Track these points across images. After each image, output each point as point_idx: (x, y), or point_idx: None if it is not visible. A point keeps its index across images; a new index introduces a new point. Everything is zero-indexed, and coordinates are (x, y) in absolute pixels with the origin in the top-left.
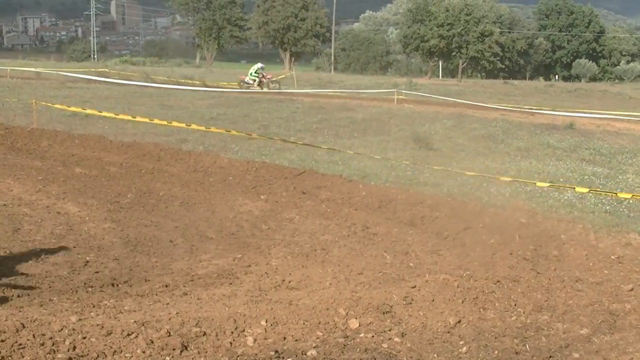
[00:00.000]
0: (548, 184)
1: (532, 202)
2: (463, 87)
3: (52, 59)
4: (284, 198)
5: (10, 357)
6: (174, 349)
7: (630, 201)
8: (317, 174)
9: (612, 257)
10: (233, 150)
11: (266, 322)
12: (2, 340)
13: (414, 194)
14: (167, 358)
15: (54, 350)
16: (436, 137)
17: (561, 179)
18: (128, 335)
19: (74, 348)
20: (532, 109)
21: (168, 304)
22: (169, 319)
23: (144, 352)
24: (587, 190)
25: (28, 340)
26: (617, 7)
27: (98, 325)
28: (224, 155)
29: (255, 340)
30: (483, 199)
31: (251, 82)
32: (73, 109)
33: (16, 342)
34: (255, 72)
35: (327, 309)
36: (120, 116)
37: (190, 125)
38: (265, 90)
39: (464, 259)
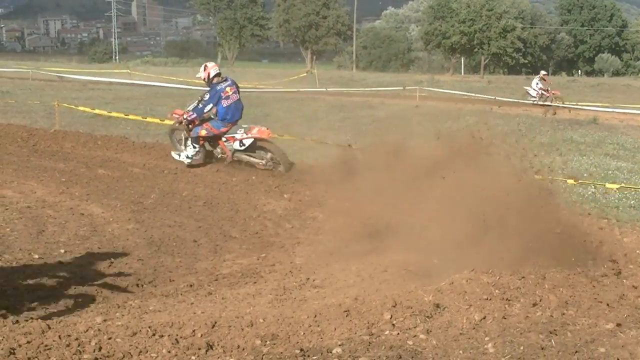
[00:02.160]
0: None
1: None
2: (485, 83)
3: (74, 60)
4: (307, 197)
5: (36, 358)
6: (199, 349)
7: None
8: None
9: (637, 251)
10: None
11: (291, 320)
12: (29, 342)
13: None
14: (193, 357)
15: (80, 351)
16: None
17: (585, 175)
18: (153, 335)
19: (100, 349)
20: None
21: (193, 303)
22: (194, 319)
23: (169, 351)
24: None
25: (54, 341)
26: (639, 0)
27: (123, 325)
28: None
29: (280, 338)
30: None
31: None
32: (97, 111)
33: (42, 343)
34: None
35: (352, 307)
36: (148, 119)
37: None
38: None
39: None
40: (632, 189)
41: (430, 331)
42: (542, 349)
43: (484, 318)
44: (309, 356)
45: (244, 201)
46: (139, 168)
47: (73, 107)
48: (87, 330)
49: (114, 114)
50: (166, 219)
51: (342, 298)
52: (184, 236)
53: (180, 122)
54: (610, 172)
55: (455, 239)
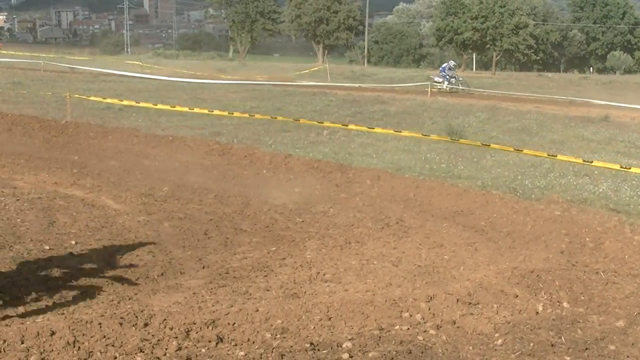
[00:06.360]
0: None
1: (567, 195)
2: (497, 79)
3: (86, 52)
4: (317, 191)
5: (44, 350)
6: (209, 341)
7: None
8: (351, 167)
9: None
10: (267, 143)
11: (301, 314)
12: (38, 333)
13: (449, 186)
14: (203, 350)
15: (91, 342)
16: (470, 129)
17: (596, 172)
18: (164, 327)
19: (110, 339)
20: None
21: (203, 296)
22: (205, 311)
23: (179, 344)
24: None
25: (64, 332)
26: None
27: (134, 317)
28: (257, 149)
29: (291, 332)
30: (517, 192)
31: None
32: (109, 100)
33: (52, 334)
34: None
35: (362, 301)
36: (159, 106)
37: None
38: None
39: (498, 252)
40: None
41: (441, 327)
42: (552, 345)
43: (495, 314)
44: (319, 350)
45: (254, 194)
46: (150, 160)
47: (85, 97)
48: (97, 322)
49: (159, 106)
50: (177, 211)
51: (352, 293)
52: (195, 229)
53: None
54: (621, 170)
55: None
